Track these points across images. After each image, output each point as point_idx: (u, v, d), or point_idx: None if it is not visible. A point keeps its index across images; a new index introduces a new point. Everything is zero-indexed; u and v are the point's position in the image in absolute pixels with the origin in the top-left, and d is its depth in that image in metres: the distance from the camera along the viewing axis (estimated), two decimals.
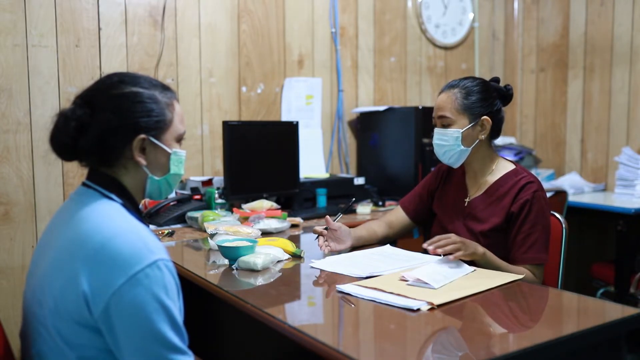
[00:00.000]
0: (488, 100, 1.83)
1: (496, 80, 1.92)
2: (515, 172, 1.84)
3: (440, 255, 1.62)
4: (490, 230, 1.80)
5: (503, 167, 1.88)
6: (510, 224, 1.78)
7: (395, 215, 2.09)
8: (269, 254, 1.74)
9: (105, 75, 1.27)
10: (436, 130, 1.85)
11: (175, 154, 1.29)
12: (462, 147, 1.81)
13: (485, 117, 1.81)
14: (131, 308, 1.06)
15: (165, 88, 1.28)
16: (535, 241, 1.74)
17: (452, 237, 1.66)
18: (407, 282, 1.48)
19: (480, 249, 1.69)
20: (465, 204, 1.89)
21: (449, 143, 1.81)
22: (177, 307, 1.13)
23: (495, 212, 1.81)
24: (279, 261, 1.78)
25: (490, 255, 1.71)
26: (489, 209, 1.83)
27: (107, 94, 1.21)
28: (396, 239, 2.11)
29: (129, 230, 1.13)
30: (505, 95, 1.89)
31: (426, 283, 1.45)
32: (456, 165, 1.88)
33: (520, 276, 1.60)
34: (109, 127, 1.19)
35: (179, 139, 1.31)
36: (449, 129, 1.81)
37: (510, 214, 1.78)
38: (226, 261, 1.77)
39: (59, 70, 2.47)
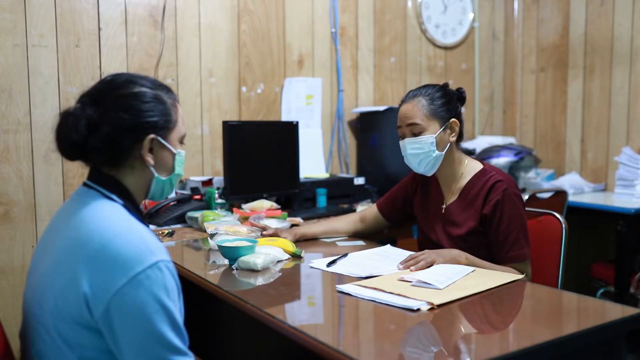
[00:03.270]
0: (451, 103, 1.86)
1: (447, 85, 1.92)
2: (484, 172, 1.85)
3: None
4: (467, 234, 1.82)
5: (472, 168, 1.88)
6: (486, 226, 1.79)
7: (370, 211, 2.18)
8: (269, 254, 1.74)
9: (111, 74, 1.27)
10: (407, 140, 1.84)
11: (179, 155, 1.31)
12: (437, 152, 1.82)
13: (453, 119, 1.84)
14: (132, 309, 1.06)
15: (168, 89, 1.29)
16: (515, 239, 1.75)
17: (426, 252, 1.71)
18: (411, 283, 1.48)
19: (462, 255, 1.71)
20: (443, 211, 1.90)
21: (424, 150, 1.82)
22: (177, 308, 1.13)
23: (470, 216, 1.82)
24: (279, 261, 1.78)
25: (473, 258, 1.72)
26: (464, 213, 1.84)
27: (117, 94, 1.21)
28: (368, 234, 2.18)
29: (130, 231, 1.13)
30: (460, 97, 1.91)
31: (429, 284, 1.45)
32: (430, 173, 1.89)
33: (521, 276, 1.61)
34: (121, 126, 1.19)
35: (182, 140, 1.32)
36: (422, 136, 1.82)
37: (484, 216, 1.79)
38: (226, 261, 1.77)
39: (59, 70, 2.47)
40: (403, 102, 1.87)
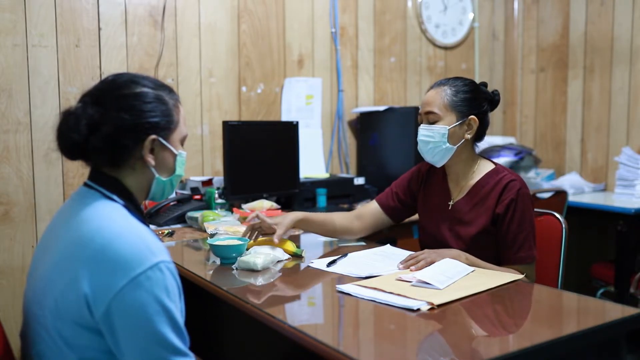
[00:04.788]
0: (477, 100, 1.83)
1: (484, 84, 1.91)
2: (496, 171, 1.83)
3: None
4: (478, 234, 1.79)
5: (484, 167, 1.87)
6: (498, 225, 1.78)
7: (368, 208, 2.06)
8: (269, 254, 1.74)
9: (112, 74, 1.27)
10: (422, 126, 1.83)
11: (180, 156, 1.30)
12: (448, 144, 1.80)
13: (472, 116, 1.81)
14: (132, 310, 1.06)
15: (170, 90, 1.29)
16: (524, 240, 1.74)
17: (425, 252, 1.69)
18: (411, 283, 1.48)
19: (462, 255, 1.70)
20: (449, 208, 1.88)
21: (434, 139, 1.80)
22: (178, 309, 1.13)
23: (481, 214, 1.80)
24: (279, 261, 1.78)
25: (473, 258, 1.71)
26: (473, 211, 1.82)
27: (119, 93, 1.21)
28: (365, 233, 2.05)
29: (131, 231, 1.13)
30: (492, 100, 1.89)
31: (429, 284, 1.45)
32: (440, 164, 1.86)
33: (520, 276, 1.60)
34: (122, 126, 1.18)
35: (183, 141, 1.32)
36: (435, 125, 1.80)
37: (497, 215, 1.77)
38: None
39: (59, 70, 2.47)
40: (430, 88, 1.86)
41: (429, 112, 1.81)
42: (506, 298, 1.47)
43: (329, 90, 3.29)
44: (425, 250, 1.71)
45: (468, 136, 1.82)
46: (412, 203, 2.03)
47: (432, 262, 1.63)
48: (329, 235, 2.04)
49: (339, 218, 2.01)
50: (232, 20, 2.92)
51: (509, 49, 4.04)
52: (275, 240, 1.81)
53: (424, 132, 1.82)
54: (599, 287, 3.16)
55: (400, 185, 2.05)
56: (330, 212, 2.59)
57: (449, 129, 1.79)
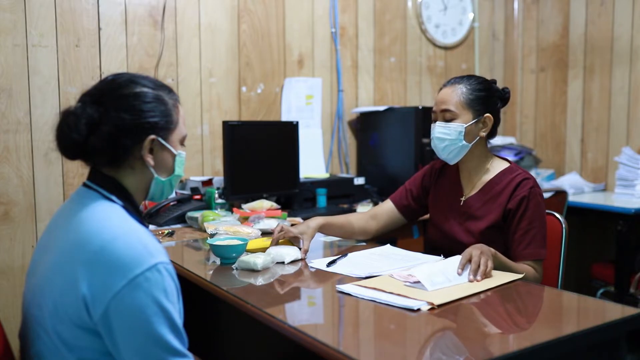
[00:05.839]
0: (491, 98, 1.85)
1: (494, 82, 1.92)
2: (510, 170, 1.85)
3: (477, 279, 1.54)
4: (488, 228, 1.80)
5: (498, 165, 1.88)
6: (508, 221, 1.79)
7: (382, 207, 2.08)
8: (269, 253, 1.74)
9: (112, 74, 1.27)
10: (438, 123, 1.83)
11: (180, 156, 1.30)
12: (464, 142, 1.81)
13: (487, 114, 1.83)
14: (131, 311, 1.06)
15: (170, 90, 1.29)
16: (534, 237, 1.75)
17: (472, 253, 1.57)
18: (405, 283, 1.47)
19: (492, 250, 1.64)
20: (461, 203, 1.89)
21: (450, 137, 1.80)
22: (176, 310, 1.13)
23: (492, 210, 1.81)
24: (278, 262, 1.78)
25: (500, 255, 1.68)
26: (485, 207, 1.83)
27: (119, 93, 1.21)
28: (380, 232, 2.06)
29: (129, 232, 1.13)
30: (503, 97, 1.90)
31: (422, 284, 1.44)
32: (453, 162, 1.87)
33: (520, 276, 1.60)
34: (122, 126, 1.18)
35: (182, 141, 1.32)
36: (452, 123, 1.80)
37: (508, 210, 1.78)
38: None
39: (59, 70, 2.47)
40: (444, 86, 1.86)
41: (445, 110, 1.82)
42: (506, 298, 1.47)
43: (329, 90, 3.28)
44: (474, 252, 1.58)
45: (483, 134, 1.83)
46: (426, 200, 2.04)
47: (487, 264, 1.55)
48: (348, 237, 2.05)
49: (355, 219, 2.04)
50: (232, 20, 2.92)
51: (509, 49, 4.04)
52: (303, 255, 1.80)
53: (440, 129, 1.82)
54: (599, 287, 3.16)
55: (414, 183, 2.06)
56: (331, 212, 2.61)
57: (465, 127, 1.80)
